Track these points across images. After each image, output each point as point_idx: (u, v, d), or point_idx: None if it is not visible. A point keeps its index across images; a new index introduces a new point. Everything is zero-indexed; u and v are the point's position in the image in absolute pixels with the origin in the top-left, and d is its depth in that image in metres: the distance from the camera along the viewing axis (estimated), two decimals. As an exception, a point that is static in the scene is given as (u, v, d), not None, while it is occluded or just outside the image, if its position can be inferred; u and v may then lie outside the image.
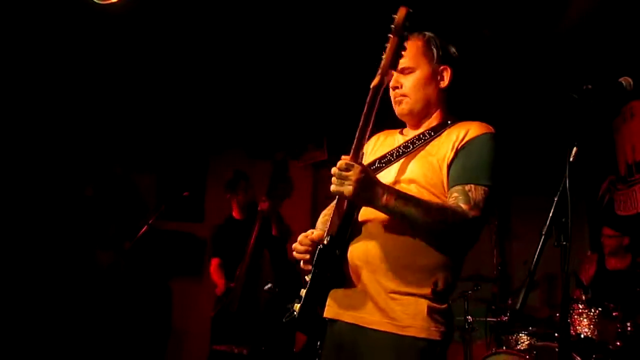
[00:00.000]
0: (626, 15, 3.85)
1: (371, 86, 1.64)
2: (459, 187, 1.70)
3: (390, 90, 1.89)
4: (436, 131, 1.85)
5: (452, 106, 1.92)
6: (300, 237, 1.83)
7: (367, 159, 1.99)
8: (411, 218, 1.63)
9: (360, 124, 1.63)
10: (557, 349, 3.30)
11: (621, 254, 4.44)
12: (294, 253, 1.83)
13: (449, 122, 1.87)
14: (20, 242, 5.13)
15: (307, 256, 1.79)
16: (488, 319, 4.49)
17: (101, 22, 3.95)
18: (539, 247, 1.57)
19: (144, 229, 4.62)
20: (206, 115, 5.72)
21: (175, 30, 4.35)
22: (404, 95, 1.87)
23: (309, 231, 1.85)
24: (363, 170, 1.60)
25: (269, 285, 3.76)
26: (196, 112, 5.69)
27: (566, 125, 1.70)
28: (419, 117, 1.90)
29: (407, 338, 1.66)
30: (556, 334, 3.54)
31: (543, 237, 1.57)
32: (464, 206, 1.65)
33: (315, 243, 1.78)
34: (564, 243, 1.57)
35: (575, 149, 1.64)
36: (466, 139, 1.77)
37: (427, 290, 1.69)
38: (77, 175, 5.71)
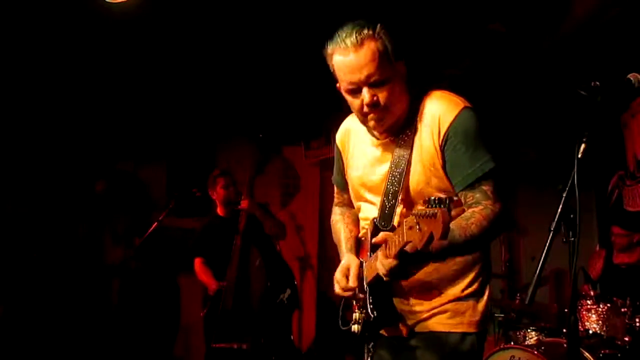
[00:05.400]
0: (635, 11, 3.83)
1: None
2: (469, 189, 1.68)
3: (364, 106, 1.70)
4: (409, 125, 1.75)
5: (410, 78, 1.79)
6: (342, 283, 1.82)
7: (346, 161, 1.97)
8: (460, 249, 1.66)
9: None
10: (565, 345, 3.30)
11: (631, 250, 4.44)
12: (337, 292, 1.85)
13: (414, 103, 1.77)
14: (31, 239, 5.18)
15: (357, 294, 1.81)
16: (496, 314, 4.49)
17: (107, 14, 3.95)
18: (547, 243, 1.57)
19: (153, 226, 4.65)
20: (214, 109, 5.75)
21: (183, 24, 4.36)
22: (386, 110, 1.71)
23: (345, 266, 1.85)
24: (398, 264, 1.55)
25: (288, 291, 3.82)
26: (205, 105, 5.71)
27: (574, 121, 1.70)
28: (396, 125, 1.78)
29: (457, 334, 1.75)
30: (564, 330, 3.53)
31: (552, 233, 1.57)
32: (486, 203, 1.66)
33: (358, 283, 1.80)
34: (572, 239, 1.58)
35: (583, 145, 1.63)
36: (442, 131, 1.69)
37: (469, 290, 1.78)
38: (87, 172, 5.75)
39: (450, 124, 1.68)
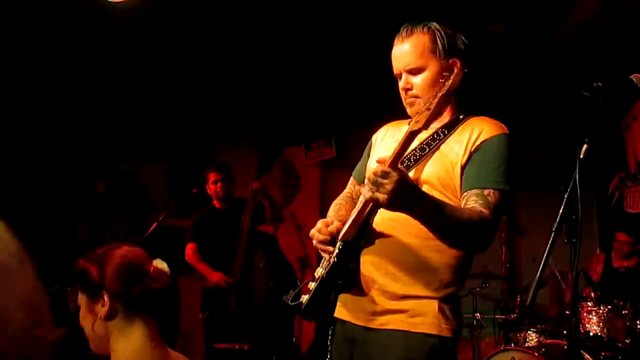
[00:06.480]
0: (636, 12, 3.83)
1: (409, 130, 1.54)
2: (477, 191, 1.69)
3: (401, 91, 1.86)
4: (449, 128, 1.82)
5: (462, 98, 1.89)
6: (320, 226, 1.82)
7: (375, 150, 2.01)
8: (443, 224, 1.60)
9: (403, 142, 1.55)
10: (565, 347, 3.29)
11: (631, 256, 4.48)
12: (314, 241, 1.83)
13: (461, 117, 1.84)
14: (32, 237, 5.17)
15: (325, 247, 1.79)
16: (496, 316, 4.49)
17: (108, 14, 3.95)
18: (549, 244, 1.55)
19: (153, 226, 4.63)
20: (215, 109, 5.75)
21: (184, 25, 4.36)
22: (416, 97, 1.82)
23: (329, 219, 1.86)
24: (400, 179, 1.45)
25: (291, 292, 3.80)
26: (205, 106, 5.71)
27: (576, 122, 1.69)
28: (431, 121, 1.82)
29: (418, 335, 1.69)
30: (565, 332, 3.53)
31: (553, 234, 1.55)
32: (484, 210, 1.65)
33: (333, 236, 1.78)
34: (574, 240, 1.56)
35: (585, 146, 1.62)
36: (480, 140, 1.75)
37: (438, 292, 1.72)
38: (88, 172, 5.74)
39: (489, 138, 1.75)
